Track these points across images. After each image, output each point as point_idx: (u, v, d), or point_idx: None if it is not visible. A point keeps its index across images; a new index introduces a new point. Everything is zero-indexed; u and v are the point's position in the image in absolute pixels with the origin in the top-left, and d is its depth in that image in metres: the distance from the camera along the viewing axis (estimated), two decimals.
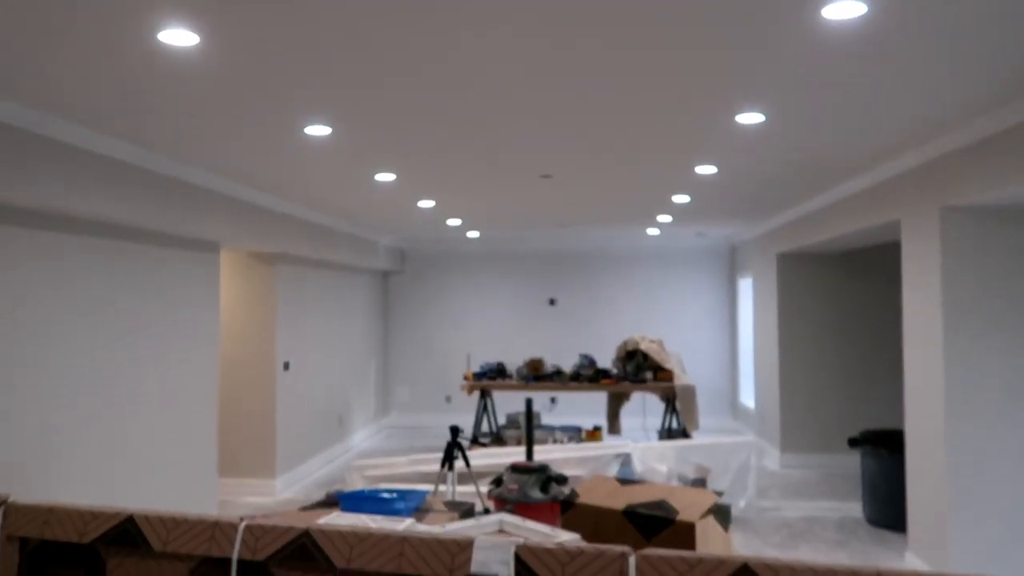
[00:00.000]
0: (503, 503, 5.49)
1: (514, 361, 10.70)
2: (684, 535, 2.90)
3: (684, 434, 8.62)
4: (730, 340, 10.71)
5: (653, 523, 3.01)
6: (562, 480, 5.82)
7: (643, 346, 8.95)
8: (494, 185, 5.89)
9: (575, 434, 8.97)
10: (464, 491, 6.52)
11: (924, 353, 4.66)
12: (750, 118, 3.82)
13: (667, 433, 8.89)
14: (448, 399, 10.99)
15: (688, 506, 3.03)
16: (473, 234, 9.84)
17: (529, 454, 6.00)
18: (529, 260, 10.94)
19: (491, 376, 9.00)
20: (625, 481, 3.41)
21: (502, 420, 10.20)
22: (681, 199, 6.63)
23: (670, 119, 3.89)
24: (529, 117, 3.85)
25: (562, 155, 4.82)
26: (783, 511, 6.53)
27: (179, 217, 4.91)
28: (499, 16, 2.51)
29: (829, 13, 2.50)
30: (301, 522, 2.41)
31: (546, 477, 5.62)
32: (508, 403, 10.74)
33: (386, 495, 3.18)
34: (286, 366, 7.29)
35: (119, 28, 2.58)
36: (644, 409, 9.76)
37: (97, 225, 4.56)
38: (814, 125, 4.00)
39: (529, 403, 6.09)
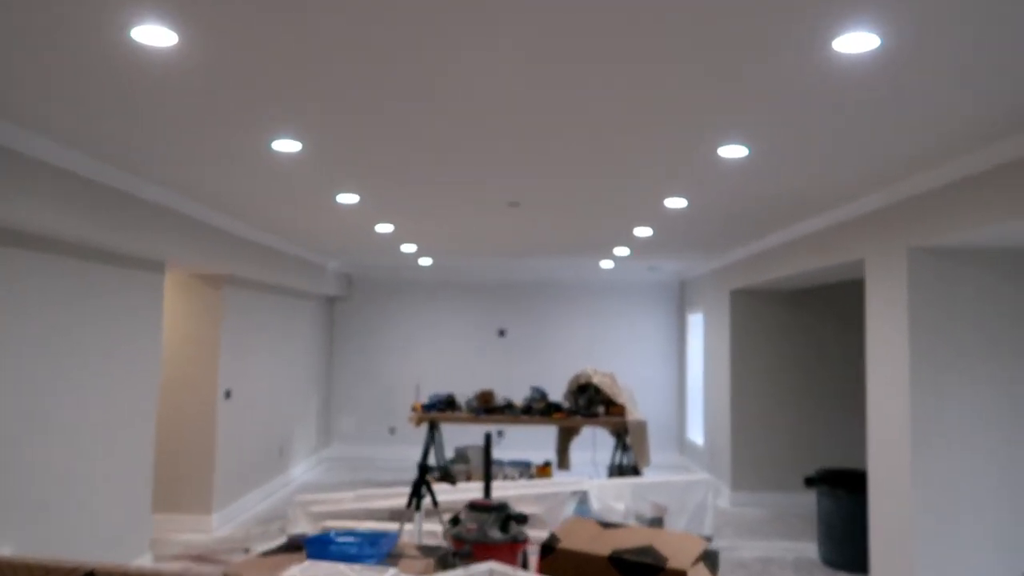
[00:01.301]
0: (461, 543, 5.26)
1: (463, 392, 10.46)
2: None
3: (635, 470, 8.53)
4: (678, 375, 10.71)
5: (641, 571, 2.85)
6: (522, 519, 5.63)
7: (595, 379, 8.86)
8: (459, 211, 5.73)
9: (525, 469, 8.78)
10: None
11: (889, 391, 4.67)
12: (733, 151, 3.78)
13: (618, 469, 8.77)
14: (392, 430, 10.67)
15: (677, 552, 2.89)
16: (426, 261, 9.63)
17: (487, 491, 5.79)
18: (479, 289, 10.78)
19: (440, 408, 8.76)
20: (606, 524, 3.26)
21: (450, 453, 9.93)
22: (644, 232, 6.59)
23: (650, 148, 3.81)
24: (503, 142, 3.73)
25: (532, 183, 4.70)
26: (738, 551, 6.46)
27: (123, 233, 4.59)
28: (482, 41, 2.38)
29: (838, 46, 2.45)
30: (272, 574, 2.15)
31: (506, 516, 5.43)
32: (457, 436, 10.48)
33: (354, 539, 2.94)
34: (227, 394, 6.92)
35: (85, 21, 2.34)
36: (594, 443, 9.64)
37: (30, 237, 4.22)
38: (796, 160, 3.98)
39: (488, 437, 5.89)
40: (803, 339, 8.25)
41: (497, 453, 10.41)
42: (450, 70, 2.73)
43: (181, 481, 6.61)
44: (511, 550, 5.46)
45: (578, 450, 9.95)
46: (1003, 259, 4.48)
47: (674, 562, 2.81)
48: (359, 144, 3.80)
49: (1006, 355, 4.44)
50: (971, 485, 4.41)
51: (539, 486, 6.79)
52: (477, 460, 8.86)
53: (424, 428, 10.68)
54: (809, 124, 3.32)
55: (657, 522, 6.46)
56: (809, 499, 8.02)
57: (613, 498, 6.50)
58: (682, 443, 10.52)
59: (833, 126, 3.34)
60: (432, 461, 10.18)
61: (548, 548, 3.06)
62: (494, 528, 5.16)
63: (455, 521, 5.42)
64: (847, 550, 5.87)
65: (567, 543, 3.09)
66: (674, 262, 9.29)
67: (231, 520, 6.99)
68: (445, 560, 3.21)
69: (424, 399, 10.47)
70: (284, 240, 7.51)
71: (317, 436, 10.06)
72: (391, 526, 6.32)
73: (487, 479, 5.84)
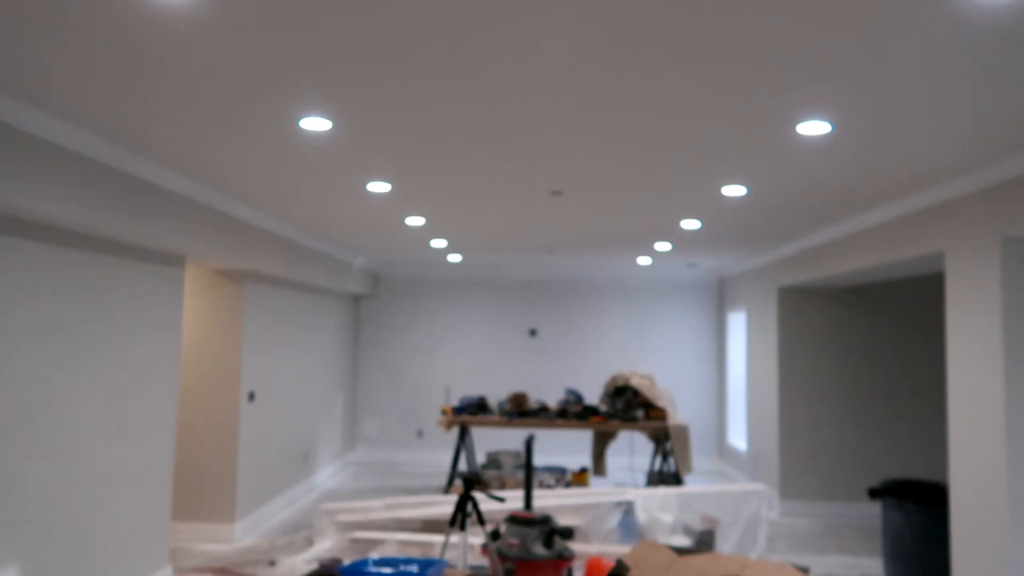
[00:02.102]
0: (503, 559, 4.86)
1: (493, 394, 10.08)
2: None
3: (676, 477, 8.09)
4: (718, 377, 10.25)
5: None
6: (568, 533, 5.20)
7: (634, 382, 8.43)
8: (498, 201, 5.35)
9: (561, 475, 8.37)
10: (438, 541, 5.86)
11: (976, 397, 4.21)
12: (814, 128, 3.35)
13: (658, 476, 8.34)
14: (420, 434, 10.31)
15: None
16: (455, 258, 9.26)
17: (528, 503, 5.39)
18: (510, 288, 10.39)
19: (472, 411, 8.38)
20: (681, 550, 2.85)
21: (481, 459, 9.55)
22: (691, 224, 6.17)
23: (714, 128, 3.40)
24: (549, 123, 3.33)
25: (578, 169, 4.30)
26: None
27: (142, 223, 4.25)
28: (533, 8, 1.99)
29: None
30: None
31: (550, 530, 5.01)
32: (487, 440, 10.10)
33: (392, 570, 2.56)
34: (251, 396, 6.58)
35: None
36: (631, 448, 9.22)
37: (43, 228, 3.88)
38: (887, 137, 3.54)
39: (529, 442, 5.48)
40: (857, 340, 7.76)
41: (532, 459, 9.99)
42: (497, 41, 2.34)
43: (202, 488, 6.28)
44: (556, 568, 5.04)
45: (614, 455, 9.53)
46: None
47: None
48: (394, 124, 3.42)
49: None
50: None
51: (580, 495, 6.38)
52: (510, 466, 8.47)
53: (453, 433, 10.31)
54: (912, 90, 2.88)
55: (708, 535, 6.04)
56: (865, 510, 7.54)
57: (659, 509, 6.08)
58: (722, 448, 10.05)
59: (940, 93, 2.90)
60: (463, 466, 9.79)
61: None
62: (537, 543, 4.75)
63: (495, 535, 5.02)
64: (918, 569, 5.40)
65: (638, 572, 2.68)
66: (715, 258, 8.84)
67: (255, 529, 6.66)
68: None
69: (454, 402, 10.09)
70: (309, 234, 7.17)
71: (342, 440, 9.73)
72: (424, 538, 5.95)
73: (528, 489, 5.44)
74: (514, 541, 4.84)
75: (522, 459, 8.76)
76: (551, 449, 10.02)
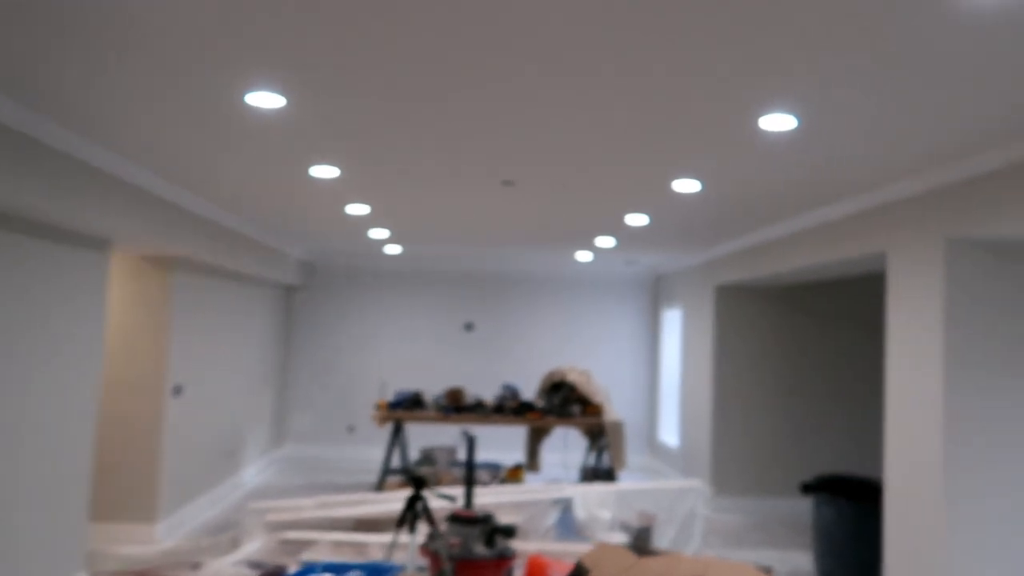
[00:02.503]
0: (440, 560, 4.73)
1: (429, 389, 9.91)
2: None
3: (610, 473, 8.12)
4: (651, 374, 10.35)
5: None
6: (509, 532, 5.10)
7: (571, 377, 8.42)
8: (447, 190, 5.20)
9: (495, 472, 8.29)
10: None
11: (916, 395, 4.31)
12: (778, 122, 3.34)
13: (592, 472, 8.36)
14: (351, 429, 10.05)
15: None
16: (394, 249, 9.05)
17: (468, 500, 5.27)
18: (446, 281, 10.24)
19: (407, 406, 8.21)
20: (640, 551, 2.79)
21: (415, 454, 9.36)
22: (638, 220, 6.15)
23: (676, 121, 3.35)
24: (505, 111, 3.22)
25: (530, 159, 4.20)
26: None
27: (64, 202, 3.93)
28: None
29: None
30: None
31: (491, 529, 4.90)
32: (420, 436, 9.92)
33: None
34: (177, 390, 6.24)
35: None
36: (565, 444, 9.21)
37: None
38: (854, 132, 3.57)
39: (471, 440, 5.37)
40: (792, 338, 7.94)
41: (463, 454, 9.85)
42: (456, 28, 2.22)
43: (123, 487, 5.93)
44: (497, 567, 4.93)
45: (549, 451, 9.50)
46: None
47: None
48: (349, 105, 3.24)
49: None
50: (1012, 497, 4.08)
51: (518, 493, 6.29)
52: (444, 462, 8.33)
53: (385, 429, 10.09)
54: (887, 83, 2.89)
55: (645, 532, 6.05)
56: (795, 506, 7.71)
57: (597, 506, 6.05)
58: (653, 444, 10.16)
59: (917, 89, 2.92)
60: (396, 463, 9.58)
61: None
62: (479, 543, 4.64)
63: (433, 535, 4.89)
64: (849, 565, 5.53)
65: (598, 574, 2.61)
66: (654, 255, 8.90)
67: (177, 530, 6.32)
68: None
69: (389, 396, 9.87)
70: (245, 221, 6.85)
71: (270, 435, 9.39)
72: (358, 538, 5.76)
73: (469, 487, 5.32)
74: (455, 540, 4.72)
75: (456, 455, 8.64)
76: (485, 445, 9.92)
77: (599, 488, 6.26)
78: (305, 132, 3.74)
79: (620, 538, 5.97)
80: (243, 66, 2.82)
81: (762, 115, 3.26)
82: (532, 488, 6.31)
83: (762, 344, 7.92)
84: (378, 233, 7.58)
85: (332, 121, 3.53)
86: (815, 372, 7.90)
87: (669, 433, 9.81)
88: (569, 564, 5.36)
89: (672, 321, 9.91)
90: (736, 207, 5.38)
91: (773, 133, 3.51)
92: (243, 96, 3.20)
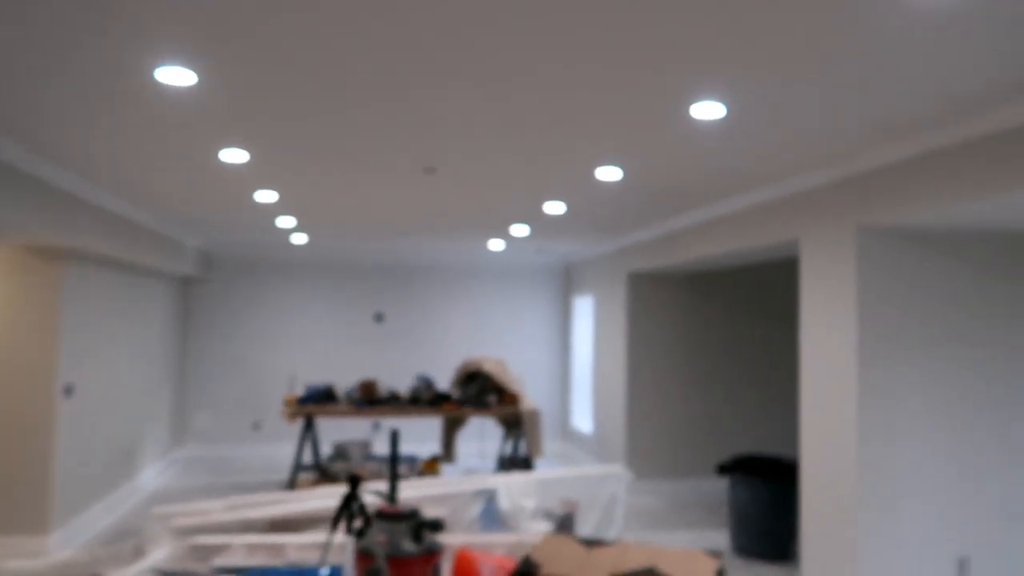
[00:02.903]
0: (368, 558, 4.59)
1: (339, 382, 9.64)
2: None
3: (527, 461, 8.13)
4: (562, 361, 10.43)
5: None
6: (437, 526, 5.01)
7: (486, 367, 8.36)
8: (363, 176, 5.01)
9: (412, 465, 8.15)
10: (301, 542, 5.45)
11: (830, 378, 4.48)
12: (708, 110, 3.36)
13: (509, 460, 8.35)
14: (256, 426, 9.66)
15: (688, 573, 2.43)
16: (300, 239, 8.72)
17: (392, 495, 5.13)
18: (355, 271, 9.97)
19: (318, 400, 7.94)
20: (590, 542, 2.75)
21: (326, 450, 9.09)
22: (555, 208, 6.14)
23: (607, 106, 3.33)
24: (426, 98, 3.11)
25: (453, 146, 4.09)
26: (650, 545, 6.19)
27: None
28: None
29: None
30: None
31: (417, 524, 4.80)
32: (331, 431, 9.64)
33: None
34: (68, 390, 5.80)
35: None
36: (482, 434, 9.16)
37: None
38: (780, 122, 3.63)
39: (395, 434, 5.23)
40: (705, 323, 8.15)
41: (382, 448, 9.68)
42: (374, 7, 2.10)
43: (11, 495, 5.46)
44: (425, 563, 4.84)
45: (465, 441, 9.43)
46: (952, 241, 4.38)
47: None
48: (266, 80, 3.04)
49: (956, 341, 4.36)
50: (917, 474, 4.30)
51: (440, 485, 6.18)
52: (358, 457, 8.13)
53: (295, 425, 9.75)
54: (819, 71, 2.94)
55: (568, 519, 6.07)
56: (707, 487, 7.94)
57: (521, 495, 6.03)
58: (565, 431, 10.26)
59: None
60: (308, 459, 9.28)
61: (526, 575, 2.52)
62: (407, 539, 4.53)
63: (361, 533, 4.74)
64: (764, 540, 5.73)
65: (550, 568, 2.55)
66: (566, 244, 8.94)
67: (73, 540, 5.89)
68: None
69: (299, 391, 9.54)
70: (141, 209, 6.42)
71: (170, 435, 8.90)
72: (275, 539, 5.51)
73: (393, 482, 5.18)
74: (382, 538, 4.59)
75: (371, 449, 8.44)
76: (403, 437, 9.77)
77: (522, 477, 6.23)
78: (216, 112, 3.50)
79: (544, 526, 5.97)
80: (152, 38, 2.59)
81: (691, 103, 3.27)
82: (454, 480, 6.22)
83: (675, 330, 8.09)
84: (285, 222, 7.28)
85: (246, 101, 3.32)
86: (727, 356, 8.14)
87: (582, 419, 9.92)
88: (497, 556, 5.32)
89: (583, 308, 10.01)
90: (656, 195, 5.44)
91: (700, 121, 3.53)
92: (152, 72, 2.94)
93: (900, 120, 3.46)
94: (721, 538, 6.32)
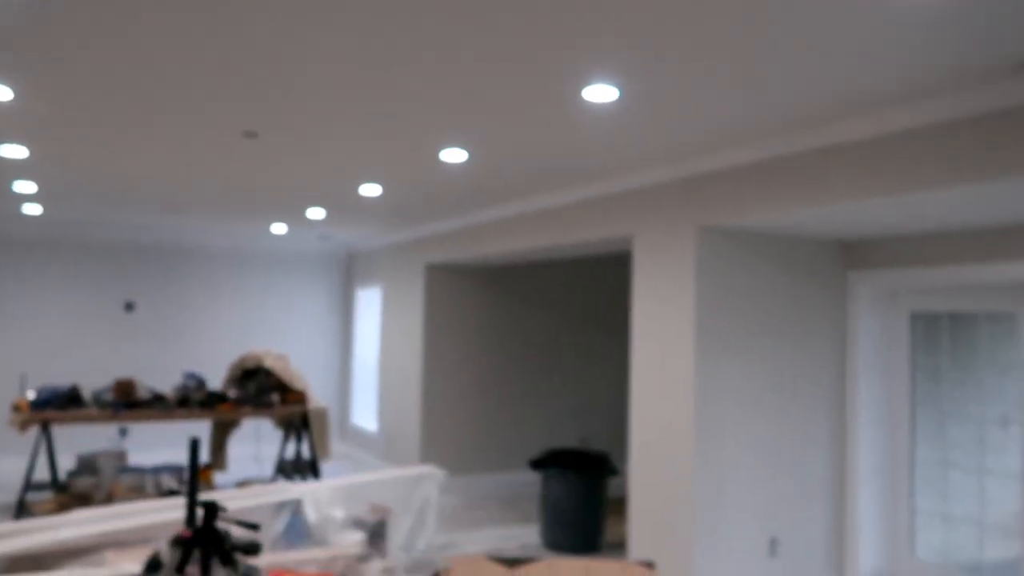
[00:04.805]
0: None
1: (82, 384, 8.19)
2: None
3: (313, 464, 7.50)
4: (342, 356, 9.83)
5: None
6: (253, 549, 4.36)
7: (267, 363, 7.57)
8: (162, 138, 4.16)
9: (180, 475, 7.13)
10: None
11: (664, 374, 4.54)
12: (601, 93, 3.17)
13: (292, 464, 7.64)
14: None
15: None
16: (34, 209, 7.24)
17: (192, 517, 4.33)
18: (100, 252, 8.54)
19: (59, 405, 6.63)
20: (511, 561, 2.41)
21: (68, 463, 7.62)
22: (370, 190, 5.64)
23: (487, 82, 3.01)
24: (253, 49, 2.59)
25: (279, 108, 3.51)
26: (463, 546, 5.95)
27: None
28: None
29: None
30: None
31: (229, 547, 4.12)
32: (67, 442, 8.13)
33: None
34: None
35: None
36: (257, 436, 8.29)
37: None
38: (669, 106, 3.52)
39: (195, 444, 4.41)
40: (506, 319, 8.05)
41: (139, 458, 8.33)
42: None
43: None
44: None
45: (237, 445, 8.47)
46: (766, 243, 4.63)
47: None
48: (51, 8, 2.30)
49: (765, 336, 4.61)
50: (738, 463, 4.50)
51: (237, 498, 5.40)
52: (111, 471, 6.92)
53: (28, 436, 8.10)
54: (713, 56, 2.86)
55: (380, 526, 5.61)
56: (501, 481, 7.87)
57: (329, 504, 5.46)
58: (345, 429, 9.68)
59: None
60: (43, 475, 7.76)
61: None
62: (218, 567, 3.84)
63: (153, 566, 3.93)
64: (577, 533, 5.74)
65: None
66: (355, 231, 8.38)
67: None
68: None
69: (31, 394, 7.93)
70: None
71: None
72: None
73: (192, 500, 4.38)
74: (191, 570, 3.84)
75: (126, 460, 7.25)
76: (154, 444, 8.54)
77: (327, 484, 5.65)
78: None
79: (355, 537, 5.47)
80: None
81: (580, 87, 3.06)
82: (251, 491, 5.46)
83: (476, 324, 7.92)
84: (23, 186, 5.96)
85: (22, 20, 2.50)
86: (528, 351, 8.12)
87: (364, 417, 9.40)
88: (310, 573, 4.72)
89: (368, 300, 9.49)
90: (481, 183, 5.18)
91: (593, 105, 3.33)
92: None
93: (744, 126, 3.54)
94: (530, 533, 6.25)
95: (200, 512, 2.78)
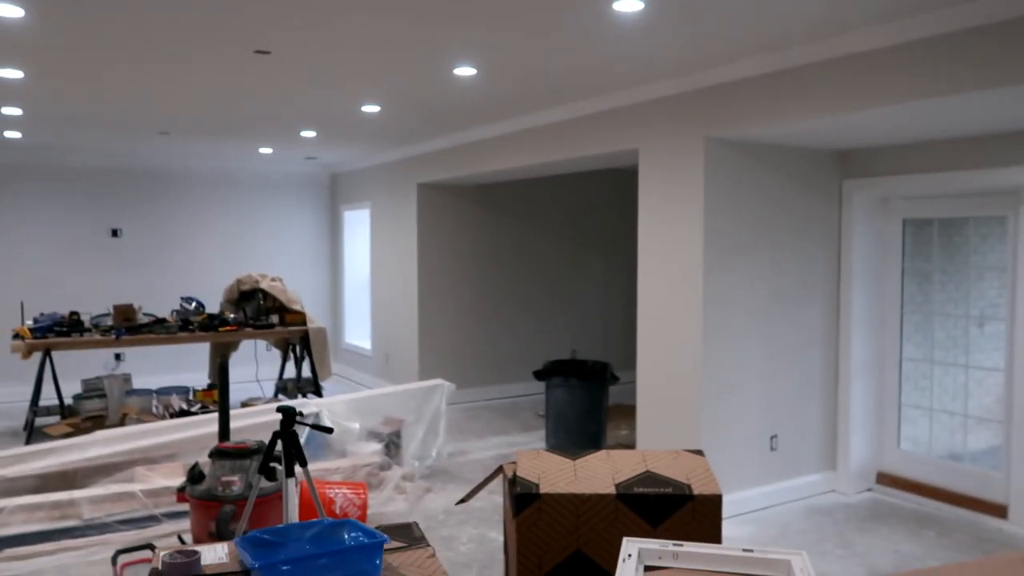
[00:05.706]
0: (216, 503, 4.03)
1: (81, 309, 8.18)
2: (706, 513, 2.27)
3: (315, 383, 7.67)
4: (331, 276, 9.89)
5: (663, 504, 2.30)
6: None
7: (264, 285, 7.64)
8: (167, 60, 4.10)
9: (185, 396, 7.25)
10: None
11: (672, 282, 4.71)
12: (628, 5, 3.20)
13: (294, 384, 7.81)
14: None
15: (690, 474, 2.40)
16: (13, 134, 7.07)
17: (225, 432, 4.48)
18: (84, 178, 8.39)
19: (59, 330, 6.65)
20: (568, 455, 2.59)
21: (75, 388, 7.66)
22: (369, 109, 5.62)
23: None
24: None
25: (291, 26, 3.48)
26: (471, 453, 6.21)
27: None
28: None
29: None
30: None
31: (268, 458, 4.32)
32: (72, 367, 8.13)
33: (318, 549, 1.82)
34: None
35: None
36: (256, 357, 8.40)
37: None
38: (695, 20, 3.56)
39: (224, 366, 4.54)
40: (503, 235, 8.16)
41: (145, 381, 8.40)
42: None
43: None
44: (279, 498, 4.36)
45: (236, 367, 8.57)
46: (769, 153, 4.75)
47: (700, 487, 2.33)
48: None
49: (766, 243, 4.79)
50: (742, 365, 4.74)
51: (255, 415, 5.56)
52: (118, 394, 7.01)
53: (21, 364, 8.11)
54: None
55: (395, 436, 5.83)
56: (500, 392, 8.13)
57: (346, 417, 5.64)
58: (338, 349, 9.83)
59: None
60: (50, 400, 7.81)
61: (529, 497, 2.31)
62: (258, 476, 4.02)
63: (196, 477, 4.09)
64: (579, 436, 6.02)
65: (549, 487, 2.37)
66: (342, 152, 8.32)
67: None
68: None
69: (29, 321, 7.92)
70: None
71: None
72: (57, 497, 4.55)
73: (224, 415, 4.52)
74: (232, 479, 4.02)
75: (131, 383, 7.34)
76: (154, 368, 8.63)
77: (343, 398, 5.83)
78: None
79: (373, 447, 5.68)
80: None
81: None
82: (271, 408, 5.62)
83: (470, 241, 8.01)
84: (8, 111, 5.82)
85: None
86: (522, 266, 8.27)
87: (357, 336, 9.55)
88: (335, 482, 4.94)
89: (356, 220, 9.49)
90: (503, 95, 5.17)
91: (622, 15, 3.36)
92: None
93: (752, 39, 3.61)
94: (533, 440, 6.53)
95: (279, 417, 2.93)
